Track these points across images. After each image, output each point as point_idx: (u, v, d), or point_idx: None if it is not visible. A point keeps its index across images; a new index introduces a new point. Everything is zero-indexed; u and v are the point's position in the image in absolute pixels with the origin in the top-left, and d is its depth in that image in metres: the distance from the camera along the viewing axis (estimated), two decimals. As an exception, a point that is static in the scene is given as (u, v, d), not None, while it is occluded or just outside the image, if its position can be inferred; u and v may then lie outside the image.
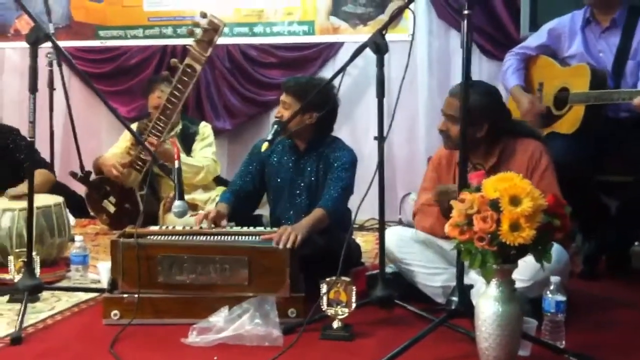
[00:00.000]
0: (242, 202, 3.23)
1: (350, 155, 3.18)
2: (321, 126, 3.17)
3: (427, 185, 2.97)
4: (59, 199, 3.48)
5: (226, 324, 2.43)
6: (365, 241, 4.09)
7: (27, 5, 3.05)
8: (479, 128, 2.76)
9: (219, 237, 2.79)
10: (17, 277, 2.88)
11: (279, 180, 3.25)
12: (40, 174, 3.64)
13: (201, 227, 2.92)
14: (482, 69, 4.64)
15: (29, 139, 2.78)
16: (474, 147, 2.79)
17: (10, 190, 3.43)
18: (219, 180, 4.45)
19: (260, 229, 2.95)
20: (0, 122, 3.81)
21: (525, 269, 2.34)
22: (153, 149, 3.76)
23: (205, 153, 4.25)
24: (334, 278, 2.49)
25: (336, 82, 2.78)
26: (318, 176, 3.18)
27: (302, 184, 3.21)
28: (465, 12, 2.31)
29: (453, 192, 2.57)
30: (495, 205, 1.99)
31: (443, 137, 2.86)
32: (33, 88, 2.72)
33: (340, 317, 2.50)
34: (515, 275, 2.15)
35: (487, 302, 2.11)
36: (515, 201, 1.97)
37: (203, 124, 4.42)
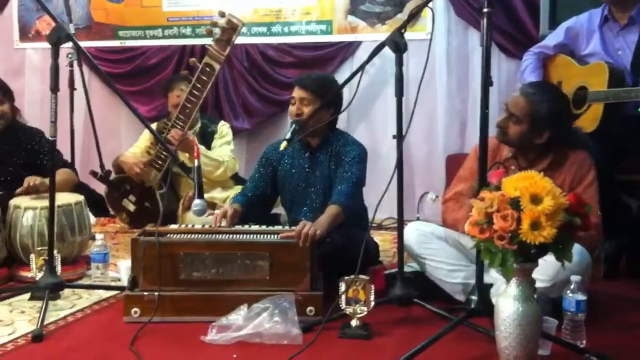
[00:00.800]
0: (255, 205, 3.25)
1: (360, 149, 3.19)
2: (334, 121, 3.20)
3: (465, 175, 2.93)
4: (80, 198, 3.51)
5: (245, 322, 2.44)
6: (383, 240, 4.08)
7: (47, 7, 3.08)
8: (539, 135, 2.73)
9: (239, 235, 2.80)
10: (39, 275, 2.91)
11: (293, 181, 3.26)
12: (63, 173, 3.67)
13: (220, 226, 2.93)
14: (502, 68, 4.62)
15: (50, 138, 2.81)
16: (526, 150, 2.78)
17: (29, 178, 3.45)
18: (237, 179, 4.47)
19: (279, 227, 2.96)
20: (25, 124, 3.82)
21: (546, 269, 2.34)
22: (177, 139, 3.78)
23: (224, 150, 4.27)
24: (352, 276, 2.49)
25: (354, 81, 2.78)
26: (330, 172, 3.19)
27: (317, 182, 3.22)
28: (485, 10, 2.30)
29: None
30: (515, 203, 1.98)
31: (498, 131, 2.79)
32: (54, 87, 2.75)
33: (358, 315, 2.51)
34: (536, 275, 2.15)
35: (507, 301, 2.10)
36: (536, 200, 1.96)
37: (221, 122, 4.44)
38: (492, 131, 2.60)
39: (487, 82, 2.32)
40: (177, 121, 4.02)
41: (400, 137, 2.61)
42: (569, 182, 2.69)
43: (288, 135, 2.98)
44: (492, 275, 2.68)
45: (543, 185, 1.98)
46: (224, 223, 2.94)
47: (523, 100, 2.72)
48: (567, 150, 2.80)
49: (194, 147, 3.20)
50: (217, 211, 3.06)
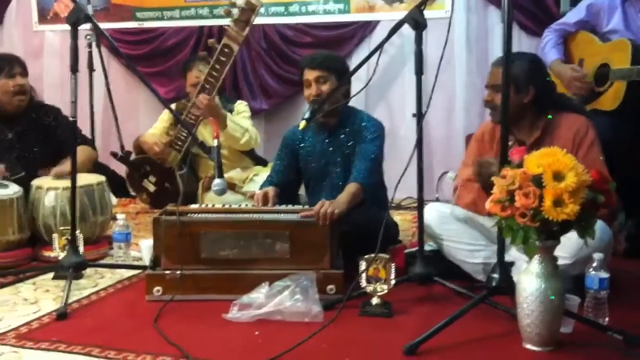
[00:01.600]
0: (282, 192, 3.25)
1: (378, 125, 3.19)
2: (349, 99, 3.20)
3: (469, 161, 2.94)
4: (101, 178, 3.53)
5: (267, 299, 2.46)
6: (402, 220, 4.07)
7: (66, -12, 3.09)
8: (525, 93, 2.73)
9: (259, 214, 2.81)
10: (61, 255, 2.95)
11: (314, 162, 3.27)
12: (82, 151, 3.69)
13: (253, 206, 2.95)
14: (522, 46, 4.56)
15: (70, 118, 2.82)
16: (519, 119, 2.76)
17: (57, 168, 3.48)
18: (256, 159, 4.47)
19: (298, 206, 2.96)
20: (41, 102, 3.85)
21: (568, 247, 2.33)
22: (204, 104, 3.77)
23: (245, 122, 4.25)
24: (372, 255, 2.49)
25: (372, 60, 2.76)
26: (349, 150, 3.19)
27: (336, 161, 3.22)
28: (506, -15, 2.27)
29: (492, 165, 2.55)
30: (537, 181, 1.97)
31: (490, 110, 2.83)
32: (74, 68, 2.76)
33: (379, 293, 2.51)
34: (557, 252, 2.14)
35: (530, 278, 2.09)
36: (558, 177, 1.94)
37: (238, 101, 4.43)
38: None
39: (508, 58, 2.29)
40: (195, 101, 4.02)
41: (420, 115, 2.59)
42: (570, 147, 2.65)
43: (307, 115, 2.97)
44: (513, 254, 2.68)
45: (566, 162, 1.96)
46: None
47: (496, 69, 2.70)
48: (560, 114, 2.79)
49: (220, 112, 3.19)
50: (257, 191, 3.07)
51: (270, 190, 3.04)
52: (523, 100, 2.73)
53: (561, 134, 2.74)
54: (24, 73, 3.65)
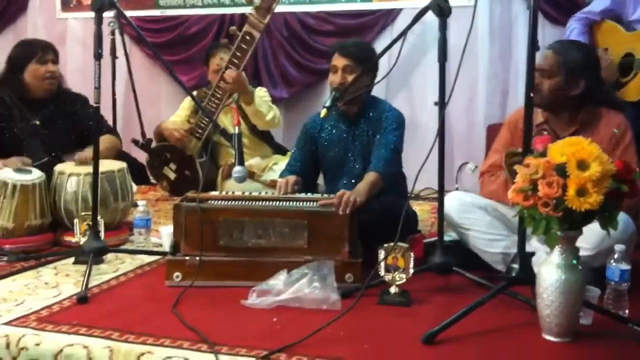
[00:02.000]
0: (301, 179, 3.25)
1: (398, 115, 3.18)
2: (371, 88, 3.18)
3: (499, 147, 2.91)
4: (123, 165, 3.55)
5: (285, 286, 2.46)
6: (421, 210, 4.05)
7: (90, -25, 3.10)
8: (576, 85, 2.69)
9: (279, 202, 2.81)
10: (83, 240, 2.97)
11: (332, 151, 3.26)
12: (106, 140, 3.73)
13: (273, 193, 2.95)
14: (546, 35, 4.50)
15: (94, 104, 2.84)
16: (560, 109, 2.72)
17: (81, 154, 3.51)
18: (276, 147, 4.48)
19: (317, 195, 2.96)
20: (69, 90, 3.88)
21: (589, 238, 2.30)
22: (232, 78, 3.77)
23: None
24: (392, 244, 2.48)
25: (394, 48, 2.73)
26: (369, 140, 3.18)
27: (356, 150, 3.21)
28: (532, -28, 2.24)
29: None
30: (561, 170, 1.94)
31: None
32: (98, 54, 2.78)
33: (397, 283, 2.50)
34: (579, 243, 2.12)
35: (550, 269, 2.07)
36: (582, 166, 1.92)
37: (259, 88, 4.43)
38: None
39: (533, 45, 2.26)
40: (216, 90, 4.03)
41: (442, 104, 2.57)
42: (607, 144, 2.62)
43: (328, 103, 2.96)
44: (533, 245, 2.66)
45: (590, 150, 1.94)
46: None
47: (551, 53, 2.68)
48: (599, 110, 2.74)
49: (247, 87, 3.17)
50: (279, 179, 3.08)
51: (292, 178, 3.04)
52: (571, 92, 2.68)
53: (599, 130, 2.69)
54: (56, 60, 3.69)
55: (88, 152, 3.43)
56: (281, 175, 3.29)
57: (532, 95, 2.28)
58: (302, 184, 3.15)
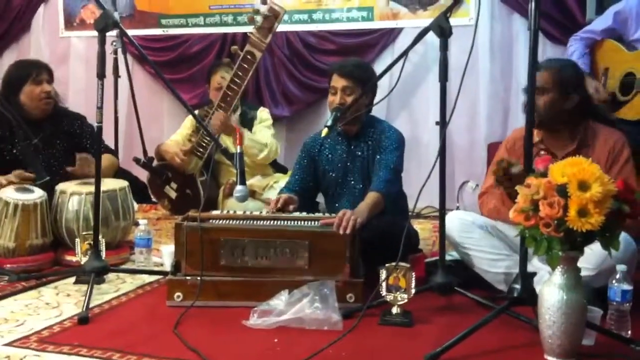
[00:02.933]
0: (301, 198, 3.26)
1: (398, 135, 3.18)
2: (371, 108, 3.19)
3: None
4: (124, 184, 3.56)
5: (286, 307, 2.45)
6: (422, 229, 4.06)
7: (93, -5, 3.12)
8: (570, 100, 2.71)
9: (280, 221, 2.81)
10: (84, 259, 2.96)
11: (333, 170, 3.26)
12: (105, 159, 3.73)
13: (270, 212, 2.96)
14: (547, 54, 4.52)
15: (96, 124, 2.85)
16: (556, 125, 2.74)
17: (77, 167, 3.52)
18: (276, 167, 4.49)
19: (319, 214, 2.96)
20: (67, 109, 3.89)
21: (591, 258, 2.30)
22: (220, 122, 3.80)
23: (265, 134, 4.28)
24: (393, 264, 2.48)
25: (395, 68, 2.74)
26: (369, 159, 3.18)
27: (356, 169, 3.21)
28: (533, -7, 2.25)
29: (517, 167, 2.51)
30: (562, 190, 1.94)
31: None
32: (101, 74, 2.79)
33: (399, 303, 2.49)
34: (581, 263, 2.11)
35: (552, 289, 2.07)
36: (583, 186, 1.92)
37: (261, 108, 4.46)
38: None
39: (534, 65, 2.27)
40: (218, 108, 4.05)
41: (443, 123, 2.57)
42: (604, 162, 2.63)
43: (329, 122, 2.97)
44: (535, 264, 2.65)
45: (591, 171, 1.94)
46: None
47: (543, 70, 2.67)
48: (596, 128, 2.75)
49: (235, 129, 3.20)
50: (272, 197, 3.08)
51: (284, 196, 3.04)
52: (566, 105, 2.71)
53: (596, 149, 2.70)
54: (50, 80, 3.68)
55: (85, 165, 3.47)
56: (280, 193, 3.30)
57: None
58: (301, 201, 3.15)
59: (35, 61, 3.84)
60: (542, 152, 2.74)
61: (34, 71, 3.63)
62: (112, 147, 4.50)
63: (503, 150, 2.94)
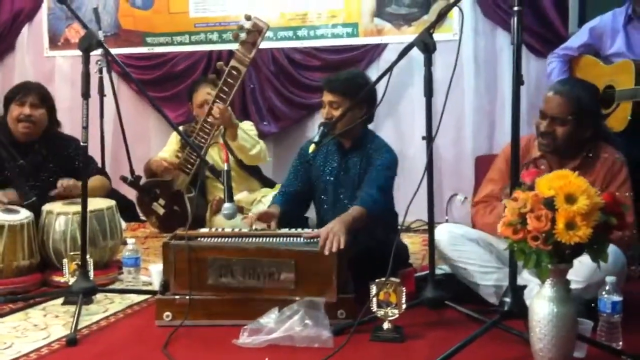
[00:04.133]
0: (294, 203, 3.27)
1: (392, 155, 3.18)
2: (367, 120, 3.19)
3: (495, 177, 2.90)
4: (111, 203, 3.54)
5: (276, 325, 2.44)
6: (412, 242, 4.06)
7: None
8: (588, 129, 2.68)
9: (267, 238, 2.80)
10: (72, 280, 2.94)
11: (324, 181, 3.26)
12: (97, 180, 3.73)
13: (253, 229, 2.94)
14: (530, 68, 4.57)
15: (82, 143, 2.83)
16: (570, 151, 2.72)
17: (63, 182, 3.50)
18: (264, 181, 4.47)
19: (307, 230, 2.95)
20: (61, 132, 3.85)
21: (580, 270, 2.30)
22: (219, 113, 3.78)
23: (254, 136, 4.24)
24: (383, 279, 2.47)
25: (381, 83, 2.75)
26: (361, 173, 3.17)
27: (347, 183, 3.21)
28: (516, 8, 2.28)
29: None
30: (549, 203, 1.96)
31: (543, 139, 2.69)
32: (86, 94, 2.77)
33: (390, 318, 2.49)
34: (570, 276, 2.12)
35: (542, 302, 2.07)
36: (570, 199, 1.93)
37: (245, 122, 4.42)
38: (523, 130, 2.54)
39: (518, 80, 2.29)
40: (204, 124, 4.04)
41: (430, 138, 2.59)
42: (600, 182, 2.65)
43: (316, 138, 2.98)
44: (525, 277, 2.65)
45: (578, 184, 1.95)
46: (258, 225, 2.95)
47: (559, 98, 2.65)
48: (598, 148, 2.74)
49: (235, 122, 3.17)
50: (251, 214, 3.07)
51: (262, 211, 3.03)
52: (584, 135, 2.68)
53: (595, 169, 2.69)
54: (38, 104, 3.61)
55: (71, 180, 3.43)
56: (274, 197, 3.32)
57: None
58: (293, 206, 3.19)
59: (28, 83, 3.80)
60: (543, 167, 2.73)
61: (21, 92, 3.60)
62: (100, 166, 4.47)
63: (502, 161, 2.89)
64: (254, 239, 2.80)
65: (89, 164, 2.98)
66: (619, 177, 2.69)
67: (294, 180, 3.32)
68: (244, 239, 2.81)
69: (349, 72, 3.39)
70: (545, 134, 2.69)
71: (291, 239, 2.79)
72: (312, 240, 2.73)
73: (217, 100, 3.92)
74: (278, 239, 2.80)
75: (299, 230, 2.91)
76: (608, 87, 3.47)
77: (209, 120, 3.98)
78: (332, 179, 3.24)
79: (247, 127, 4.30)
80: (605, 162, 2.71)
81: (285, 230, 2.93)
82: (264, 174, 4.55)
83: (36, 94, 3.63)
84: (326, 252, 2.61)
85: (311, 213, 3.54)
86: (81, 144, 2.83)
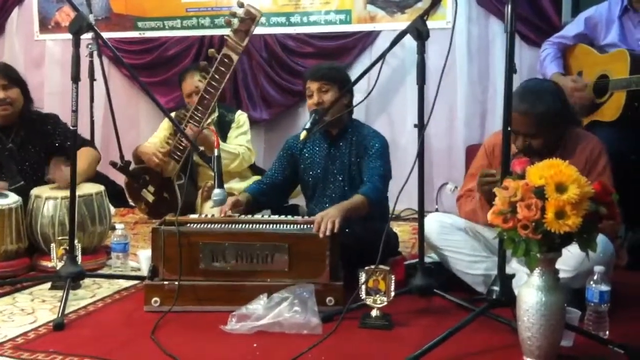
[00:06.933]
0: (270, 193, 3.29)
1: (382, 141, 3.19)
2: (352, 110, 3.19)
3: (475, 172, 2.89)
4: (100, 188, 3.52)
5: (265, 311, 2.44)
6: (402, 231, 4.07)
7: (67, -3, 3.07)
8: (560, 128, 2.69)
9: (259, 225, 2.80)
10: (59, 265, 2.92)
11: (313, 171, 3.26)
12: (87, 154, 3.63)
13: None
14: (523, 57, 4.57)
15: (71, 127, 2.81)
16: (547, 151, 2.67)
17: (60, 174, 3.44)
18: (255, 170, 4.46)
19: (298, 217, 2.95)
20: (39, 111, 3.79)
21: (569, 259, 2.31)
22: (193, 136, 3.77)
23: (240, 141, 4.26)
24: (372, 267, 2.47)
25: (373, 71, 2.74)
26: (351, 162, 3.18)
27: (336, 171, 3.21)
28: (509, -5, 2.26)
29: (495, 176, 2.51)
30: (540, 192, 1.95)
31: (523, 153, 2.66)
32: (76, 77, 2.74)
33: (378, 306, 2.49)
34: (559, 265, 2.12)
35: (530, 291, 2.07)
36: (561, 188, 1.93)
37: (239, 112, 4.43)
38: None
39: (511, 68, 2.28)
40: (195, 112, 4.02)
41: (422, 126, 2.58)
42: (581, 169, 2.63)
43: (308, 125, 2.96)
44: (513, 266, 2.66)
45: (568, 173, 1.95)
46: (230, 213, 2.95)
47: (526, 118, 2.60)
48: (575, 134, 2.75)
49: (212, 141, 3.19)
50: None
51: (230, 200, 3.00)
52: (558, 135, 2.70)
53: (575, 156, 2.69)
54: (8, 85, 3.52)
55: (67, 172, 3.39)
56: (249, 187, 3.33)
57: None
58: (270, 196, 3.24)
59: None
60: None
61: None
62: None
63: (482, 156, 2.93)
64: (246, 224, 2.79)
65: (76, 148, 2.93)
66: (599, 164, 2.70)
67: (276, 171, 3.34)
68: (235, 224, 2.80)
69: (327, 63, 3.48)
70: (523, 150, 2.67)
71: (285, 225, 2.79)
72: (306, 226, 2.72)
73: (191, 121, 3.91)
74: (271, 225, 2.80)
75: (291, 218, 2.90)
76: (602, 76, 3.46)
77: (197, 110, 3.96)
78: (320, 168, 3.24)
79: (241, 121, 4.29)
80: (584, 151, 2.72)
81: (278, 217, 2.92)
82: (255, 162, 4.54)
83: (3, 75, 3.54)
84: (320, 235, 2.62)
85: (301, 201, 3.54)
86: (70, 126, 2.80)
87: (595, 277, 2.33)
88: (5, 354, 2.21)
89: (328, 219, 2.67)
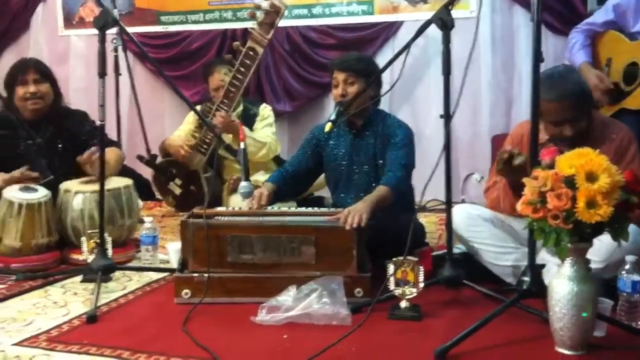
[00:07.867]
0: (291, 182, 3.27)
1: (408, 130, 3.17)
2: (377, 101, 3.18)
3: None
4: (129, 182, 3.55)
5: (294, 302, 2.45)
6: (428, 222, 4.05)
7: (92, -8, 3.11)
8: (589, 115, 2.65)
9: (286, 217, 2.81)
10: (90, 258, 2.96)
11: (338, 161, 3.25)
12: (114, 153, 3.70)
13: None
14: (548, 45, 4.52)
15: (99, 122, 2.84)
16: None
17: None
18: (279, 162, 4.48)
19: (324, 209, 2.95)
20: (68, 107, 3.85)
21: (600, 250, 2.29)
22: (222, 123, 3.78)
23: (266, 132, 4.28)
24: (401, 258, 2.47)
25: (397, 61, 2.72)
26: (376, 152, 3.17)
27: (361, 162, 3.20)
28: (535, -16, 2.24)
29: (520, 158, 2.44)
30: (570, 182, 1.94)
31: (564, 142, 2.57)
32: (102, 72, 2.78)
33: (408, 297, 2.49)
34: (590, 255, 2.10)
35: (562, 281, 2.06)
36: (591, 178, 1.91)
37: (263, 105, 4.45)
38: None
39: (538, 57, 2.26)
40: (221, 105, 4.05)
41: (447, 116, 2.56)
42: (610, 158, 2.60)
43: (333, 117, 2.96)
44: (543, 257, 2.64)
45: (599, 162, 1.93)
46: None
47: (564, 103, 2.57)
48: (602, 122, 2.72)
49: (239, 129, 3.21)
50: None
51: (257, 193, 3.00)
52: (589, 123, 2.65)
53: (604, 146, 2.62)
54: (40, 79, 3.58)
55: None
56: (270, 176, 3.32)
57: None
58: (291, 184, 3.23)
59: (23, 61, 3.72)
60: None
61: (19, 74, 3.56)
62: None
63: (509, 144, 2.91)
64: (273, 217, 2.80)
65: (104, 142, 2.96)
66: (629, 152, 2.66)
67: (299, 160, 3.33)
68: (262, 217, 2.81)
69: (355, 53, 3.44)
70: (566, 137, 2.60)
71: (312, 217, 2.80)
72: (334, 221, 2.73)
73: (220, 106, 3.92)
74: (298, 217, 2.81)
75: (318, 209, 2.91)
76: (632, 64, 3.42)
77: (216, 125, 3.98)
78: (345, 159, 3.23)
79: (265, 114, 4.30)
80: (614, 140, 2.68)
81: (304, 209, 2.93)
82: (279, 155, 4.56)
83: (35, 70, 3.58)
84: (347, 227, 2.62)
85: (326, 193, 3.55)
86: (98, 121, 2.83)
87: (627, 267, 2.31)
88: (40, 345, 2.25)
89: (355, 212, 2.67)
